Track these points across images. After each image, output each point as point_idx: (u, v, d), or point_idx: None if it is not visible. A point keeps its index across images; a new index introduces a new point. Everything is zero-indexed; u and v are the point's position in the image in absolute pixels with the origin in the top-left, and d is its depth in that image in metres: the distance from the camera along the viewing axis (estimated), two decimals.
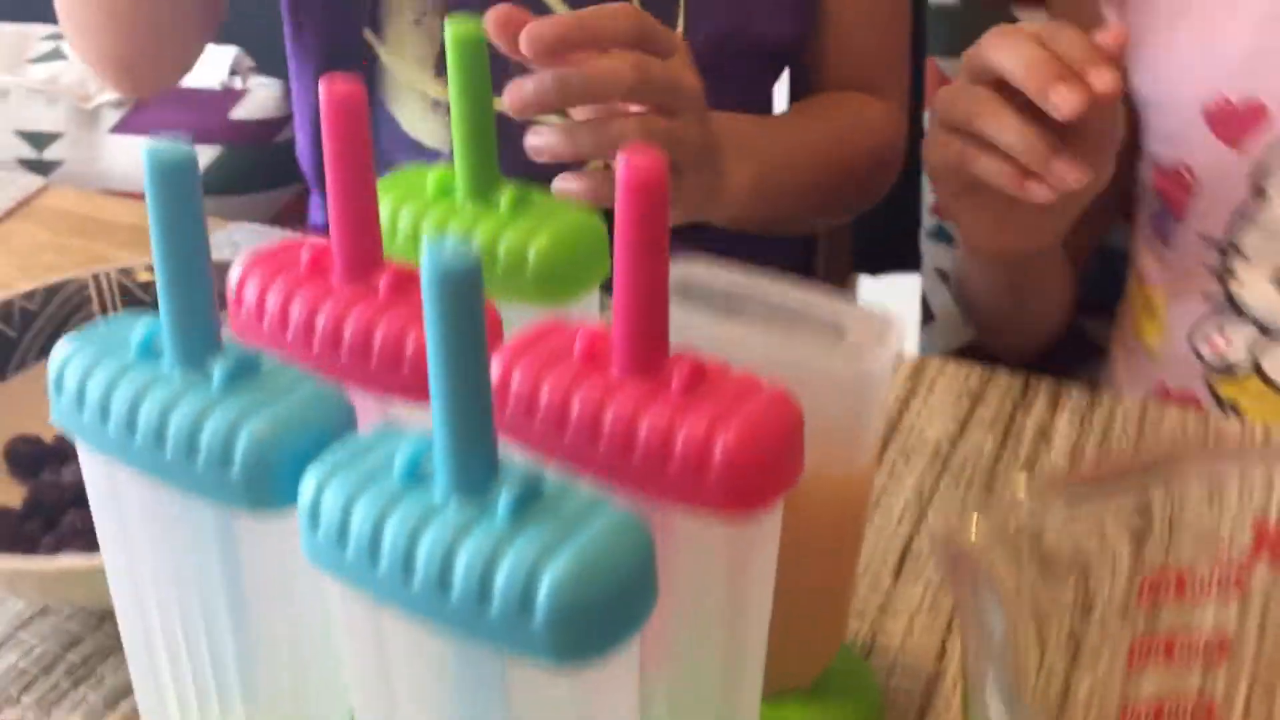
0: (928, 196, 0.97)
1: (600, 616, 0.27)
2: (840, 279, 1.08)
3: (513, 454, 0.33)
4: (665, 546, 0.33)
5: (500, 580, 0.27)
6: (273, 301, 0.37)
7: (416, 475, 0.29)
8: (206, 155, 0.99)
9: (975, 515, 0.30)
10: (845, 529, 0.42)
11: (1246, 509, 0.33)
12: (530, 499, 0.28)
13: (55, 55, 1.00)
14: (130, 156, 0.99)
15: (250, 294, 0.38)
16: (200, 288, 0.32)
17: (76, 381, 0.33)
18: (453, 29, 0.39)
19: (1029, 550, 0.30)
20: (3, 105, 0.98)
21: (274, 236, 0.77)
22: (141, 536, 0.34)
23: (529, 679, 0.28)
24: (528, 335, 0.35)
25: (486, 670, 0.28)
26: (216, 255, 0.78)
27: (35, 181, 0.84)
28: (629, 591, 0.28)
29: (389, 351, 0.35)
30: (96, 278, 0.60)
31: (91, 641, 0.50)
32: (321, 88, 0.34)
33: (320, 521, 0.29)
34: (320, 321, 0.36)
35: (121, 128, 0.99)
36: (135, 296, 0.60)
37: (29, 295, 0.58)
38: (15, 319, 0.58)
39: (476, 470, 0.28)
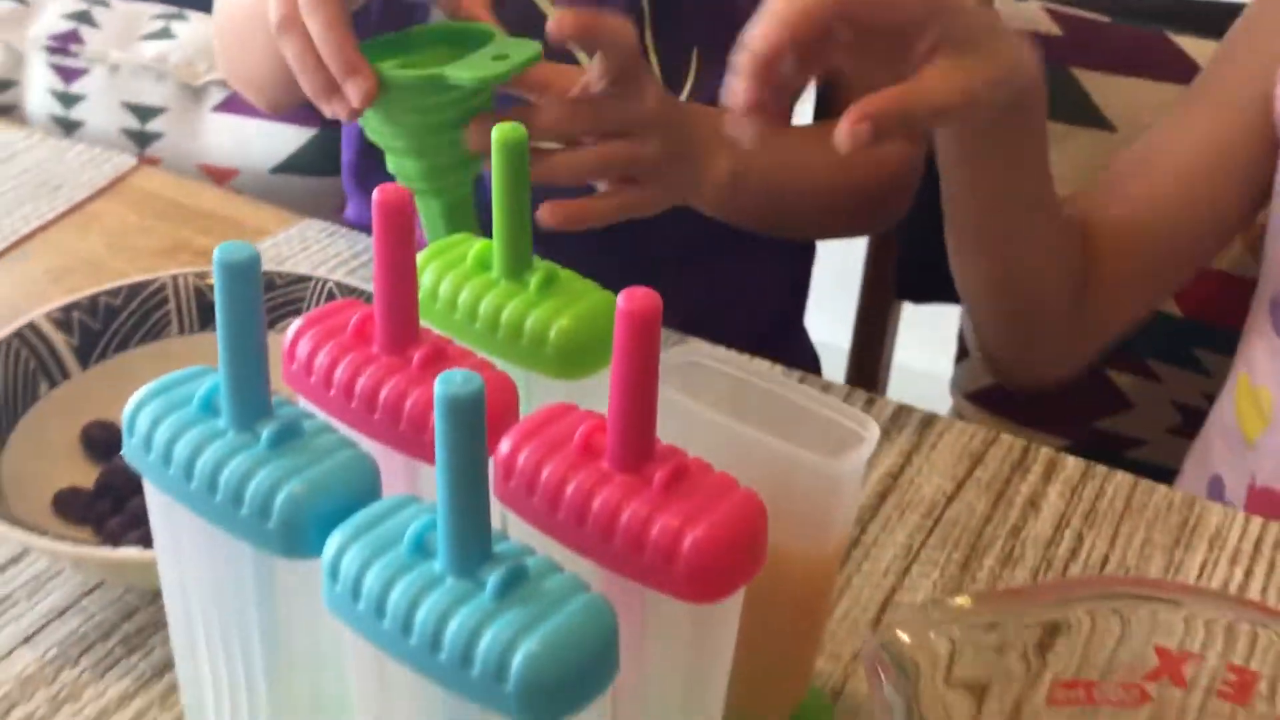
0: None
1: (564, 688, 0.32)
2: (883, 304, 1.11)
3: (513, 528, 0.39)
4: (639, 617, 0.38)
5: (482, 650, 0.32)
6: (320, 362, 0.42)
7: (422, 549, 0.34)
8: (303, 136, 1.04)
9: (900, 627, 0.35)
10: (813, 597, 0.47)
11: (1150, 637, 0.37)
12: (515, 580, 0.33)
13: (165, 34, 1.06)
14: (229, 134, 1.04)
15: (302, 351, 0.43)
16: (255, 361, 0.37)
17: (146, 428, 0.38)
18: (499, 133, 0.44)
19: (947, 659, 0.34)
20: (114, 79, 1.05)
21: (337, 233, 0.82)
22: (191, 561, 0.40)
23: None
24: (538, 419, 0.40)
25: (469, 718, 0.34)
26: (286, 250, 0.83)
27: (127, 160, 0.90)
28: (590, 667, 0.33)
29: (416, 420, 0.40)
30: (175, 279, 0.66)
31: (145, 614, 0.56)
32: (375, 195, 0.40)
33: (339, 578, 0.34)
34: (359, 386, 0.41)
35: (223, 107, 1.04)
36: (207, 298, 0.66)
37: (114, 292, 0.64)
38: (100, 313, 0.64)
39: (470, 553, 0.33)
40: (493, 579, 0.33)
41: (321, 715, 0.41)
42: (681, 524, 0.36)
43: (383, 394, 0.41)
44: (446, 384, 0.31)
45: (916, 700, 0.33)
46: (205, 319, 0.66)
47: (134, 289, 0.65)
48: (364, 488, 0.37)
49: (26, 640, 0.54)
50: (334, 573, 0.35)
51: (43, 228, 0.83)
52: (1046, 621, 0.36)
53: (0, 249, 0.80)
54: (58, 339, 0.62)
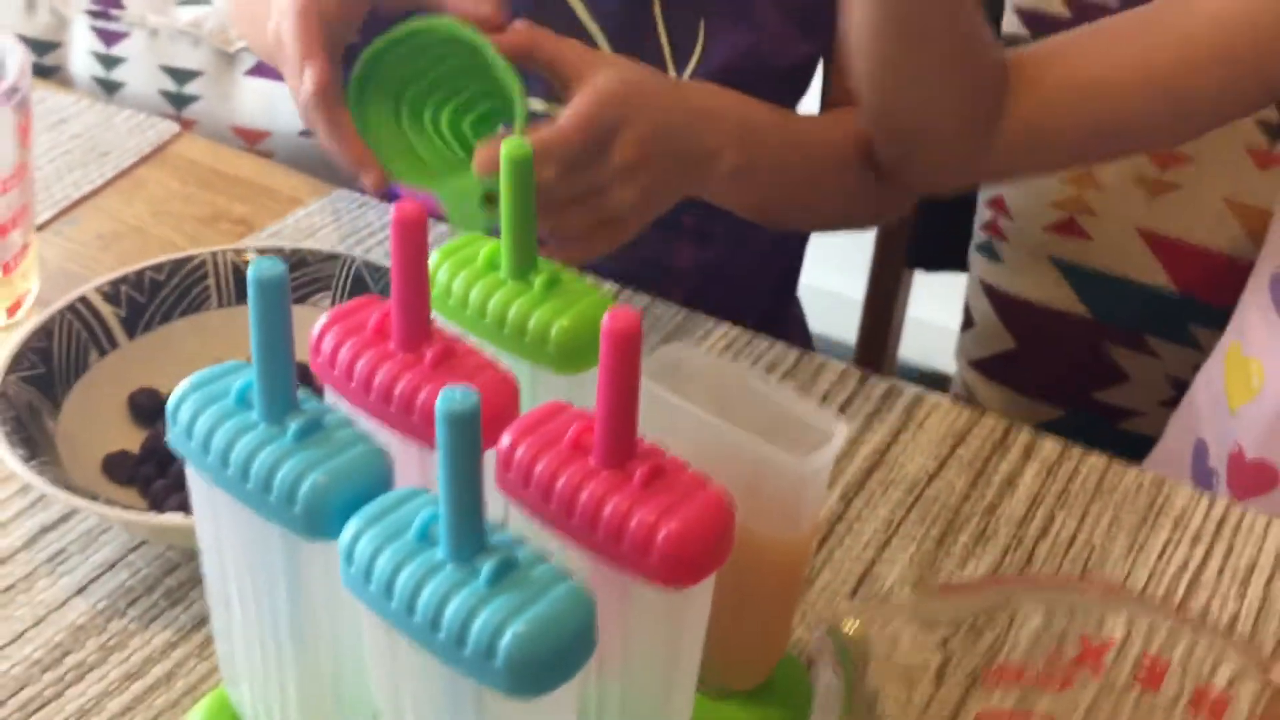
0: (982, 211, 1.04)
1: (545, 665, 0.37)
2: (894, 271, 1.15)
3: (513, 514, 0.43)
4: (621, 600, 0.43)
5: (475, 630, 0.37)
6: (343, 357, 0.47)
7: (427, 537, 0.39)
8: None
9: (846, 618, 0.39)
10: (787, 576, 0.52)
11: (1075, 629, 0.41)
12: (506, 569, 0.38)
13: (201, 0, 1.10)
14: (260, 98, 1.09)
15: (327, 346, 0.48)
16: (284, 363, 0.42)
17: (188, 419, 0.43)
18: (507, 149, 0.49)
19: (890, 646, 0.39)
20: (152, 42, 1.09)
21: (368, 204, 0.87)
22: (227, 536, 0.45)
23: (495, 699, 0.38)
24: (534, 416, 0.44)
25: (465, 690, 0.39)
26: (319, 220, 0.87)
27: (170, 128, 0.95)
28: (570, 647, 0.38)
29: (427, 414, 0.45)
30: (214, 255, 0.71)
31: (185, 570, 0.61)
32: (393, 212, 0.44)
33: (354, 561, 0.39)
34: (377, 381, 0.46)
35: (255, 72, 1.09)
36: (243, 273, 0.71)
37: (158, 268, 0.69)
38: (146, 286, 0.69)
39: (467, 543, 0.38)
40: (486, 567, 0.38)
41: (341, 678, 0.46)
42: (657, 518, 0.41)
43: (398, 389, 0.46)
44: (447, 400, 0.36)
45: (856, 685, 0.38)
46: (241, 293, 0.70)
47: (176, 265, 0.70)
48: (378, 478, 0.42)
49: (80, 591, 0.59)
50: (350, 556, 0.40)
51: (93, 193, 0.88)
52: (980, 612, 0.41)
53: (52, 214, 0.85)
54: (107, 311, 0.68)
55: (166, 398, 0.66)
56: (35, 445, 0.59)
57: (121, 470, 0.63)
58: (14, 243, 0.72)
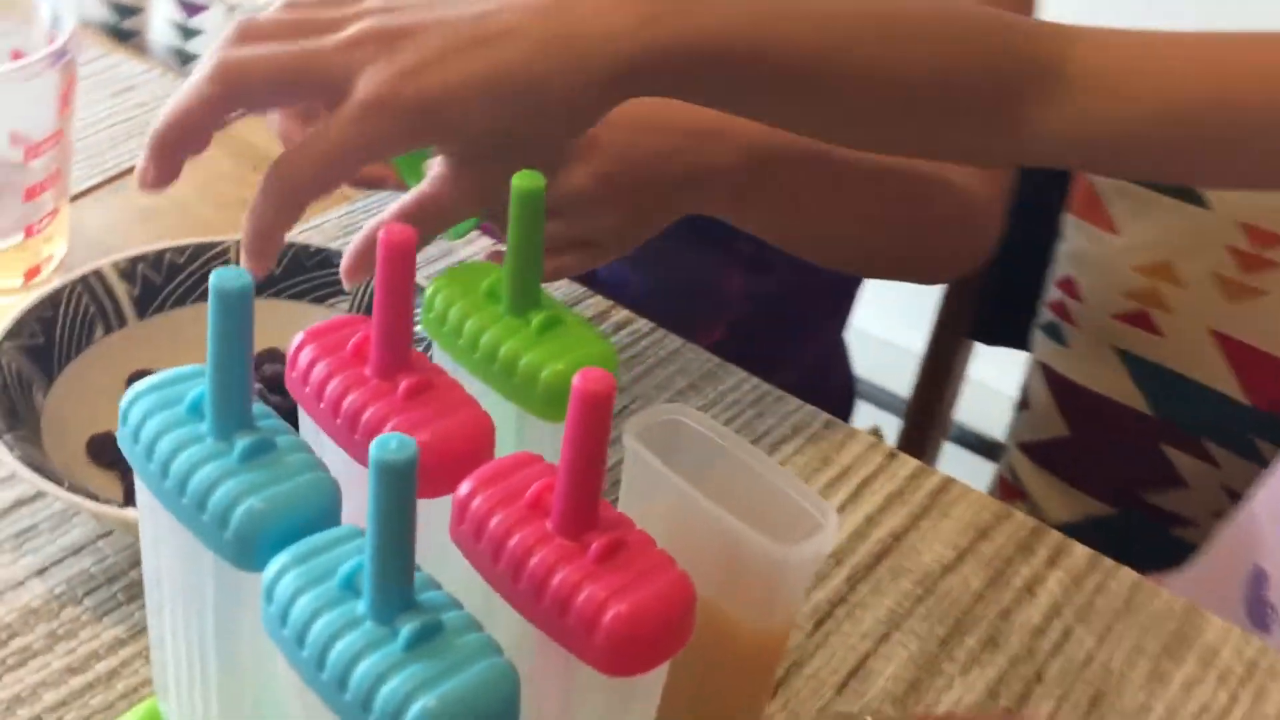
0: (1051, 291, 0.99)
1: None
2: (958, 330, 1.11)
3: (466, 571, 0.41)
4: (562, 679, 0.40)
5: (382, 697, 0.34)
6: (316, 375, 0.45)
7: (352, 587, 0.36)
8: None
9: None
10: (759, 665, 0.48)
11: None
12: (428, 634, 0.35)
13: None
14: None
15: (302, 361, 0.45)
16: (240, 377, 0.39)
17: (138, 420, 0.41)
18: (518, 182, 0.46)
19: None
20: (229, 18, 1.08)
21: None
22: (164, 548, 0.43)
23: None
24: (500, 466, 0.41)
25: None
26: (362, 217, 0.85)
27: None
28: None
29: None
30: (239, 243, 0.69)
31: None
32: (380, 234, 0.42)
33: (274, 600, 0.37)
34: (345, 405, 0.43)
35: None
36: None
37: (180, 250, 0.68)
38: (164, 268, 0.67)
39: (392, 600, 0.35)
40: (406, 629, 0.35)
41: (263, 705, 0.43)
42: (607, 596, 0.38)
43: (365, 417, 0.43)
44: (381, 447, 0.33)
45: None
46: (262, 286, 0.68)
47: (199, 249, 0.68)
48: (321, 511, 0.39)
49: (40, 573, 0.58)
50: (270, 594, 0.37)
51: None
52: None
53: (99, 181, 0.84)
54: (121, 288, 0.66)
55: None
56: (16, 418, 0.58)
57: (105, 453, 0.61)
58: (43, 205, 0.71)
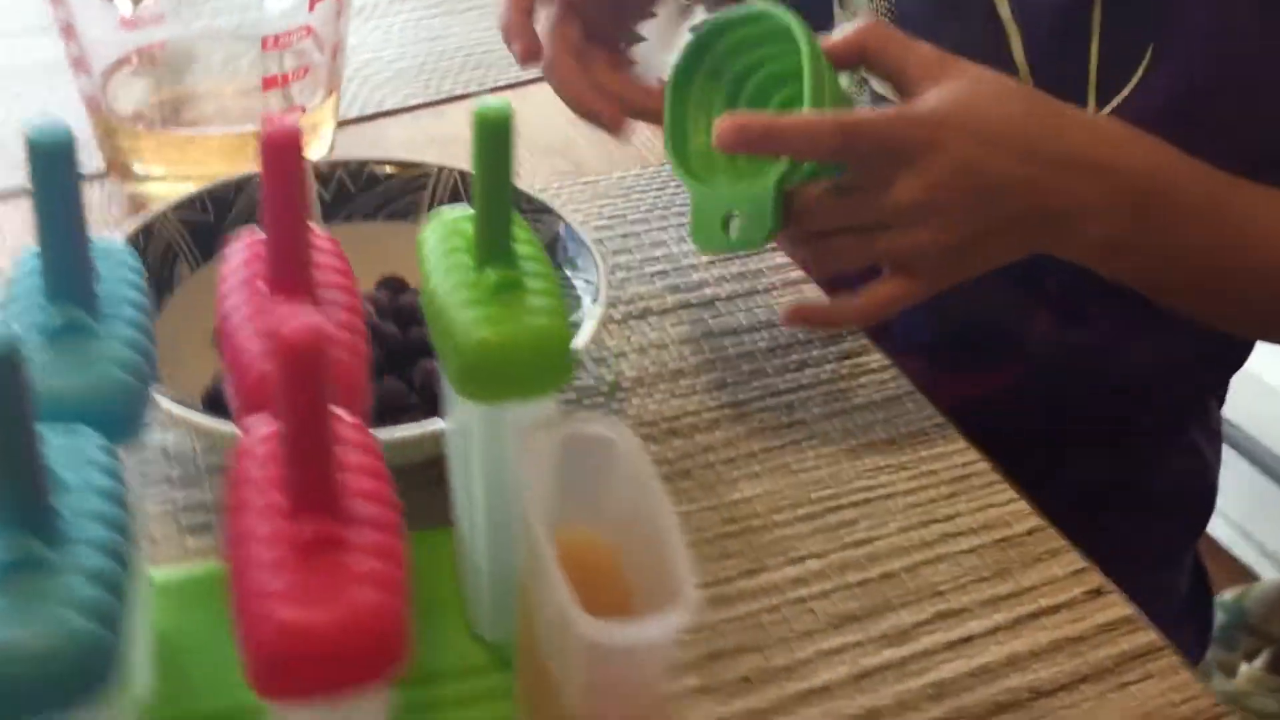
0: None
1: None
2: None
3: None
4: None
5: None
6: (229, 280, 0.41)
7: None
8: None
9: None
10: None
11: None
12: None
13: None
14: None
15: (230, 262, 0.42)
16: (70, 248, 0.37)
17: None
18: (480, 113, 0.39)
19: None
20: None
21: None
22: None
23: None
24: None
25: None
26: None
27: None
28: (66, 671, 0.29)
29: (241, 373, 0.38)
30: (441, 170, 0.66)
31: None
32: (262, 130, 0.37)
33: None
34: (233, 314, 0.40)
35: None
36: (460, 192, 0.66)
37: (381, 161, 0.66)
38: (362, 179, 0.66)
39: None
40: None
41: None
42: (272, 600, 0.31)
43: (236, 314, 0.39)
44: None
45: None
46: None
47: (404, 167, 0.67)
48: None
49: None
50: None
51: (462, 96, 0.87)
52: None
53: (420, 102, 0.85)
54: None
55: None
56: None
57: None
58: (309, 56, 0.71)
